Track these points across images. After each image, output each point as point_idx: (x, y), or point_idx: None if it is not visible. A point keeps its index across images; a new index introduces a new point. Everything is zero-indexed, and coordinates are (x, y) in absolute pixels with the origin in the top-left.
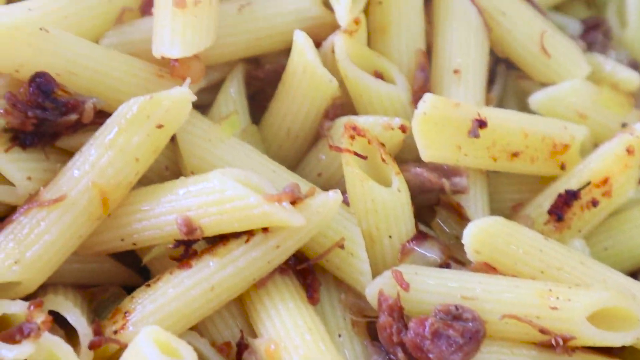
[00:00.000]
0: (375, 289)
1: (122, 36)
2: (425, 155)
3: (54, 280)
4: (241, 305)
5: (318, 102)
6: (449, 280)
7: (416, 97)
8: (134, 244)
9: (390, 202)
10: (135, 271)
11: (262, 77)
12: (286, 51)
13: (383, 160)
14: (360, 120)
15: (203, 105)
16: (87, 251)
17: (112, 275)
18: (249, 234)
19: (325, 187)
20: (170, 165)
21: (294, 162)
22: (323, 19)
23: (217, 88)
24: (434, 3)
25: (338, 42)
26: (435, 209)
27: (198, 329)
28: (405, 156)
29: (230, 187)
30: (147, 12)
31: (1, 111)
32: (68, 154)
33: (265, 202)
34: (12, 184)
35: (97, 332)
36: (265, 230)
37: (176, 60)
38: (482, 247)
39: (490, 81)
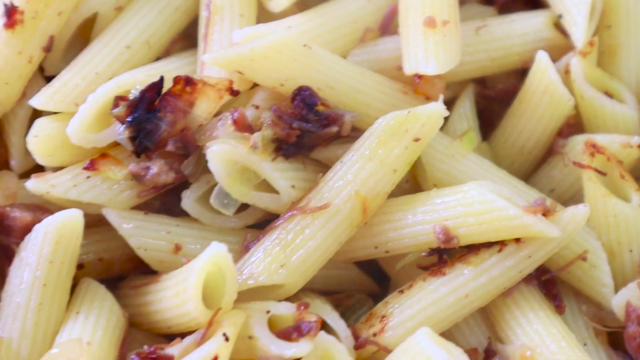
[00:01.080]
0: (623, 300)
1: (366, 55)
2: None
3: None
4: (484, 312)
5: (555, 120)
6: None
7: None
8: (387, 252)
9: (632, 218)
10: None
11: (493, 97)
12: (514, 72)
13: (622, 176)
14: (598, 138)
15: None
16: (340, 258)
17: (355, 282)
18: (501, 243)
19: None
20: (409, 178)
21: (524, 178)
22: (554, 41)
23: (447, 106)
24: None
25: (574, 63)
26: None
27: (444, 336)
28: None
29: (490, 198)
30: (386, 32)
31: (269, 122)
32: (322, 165)
33: (524, 213)
34: (275, 192)
35: (354, 335)
36: (517, 240)
37: (420, 77)
38: None
39: None
